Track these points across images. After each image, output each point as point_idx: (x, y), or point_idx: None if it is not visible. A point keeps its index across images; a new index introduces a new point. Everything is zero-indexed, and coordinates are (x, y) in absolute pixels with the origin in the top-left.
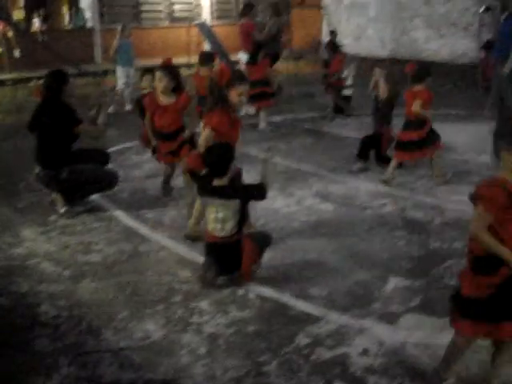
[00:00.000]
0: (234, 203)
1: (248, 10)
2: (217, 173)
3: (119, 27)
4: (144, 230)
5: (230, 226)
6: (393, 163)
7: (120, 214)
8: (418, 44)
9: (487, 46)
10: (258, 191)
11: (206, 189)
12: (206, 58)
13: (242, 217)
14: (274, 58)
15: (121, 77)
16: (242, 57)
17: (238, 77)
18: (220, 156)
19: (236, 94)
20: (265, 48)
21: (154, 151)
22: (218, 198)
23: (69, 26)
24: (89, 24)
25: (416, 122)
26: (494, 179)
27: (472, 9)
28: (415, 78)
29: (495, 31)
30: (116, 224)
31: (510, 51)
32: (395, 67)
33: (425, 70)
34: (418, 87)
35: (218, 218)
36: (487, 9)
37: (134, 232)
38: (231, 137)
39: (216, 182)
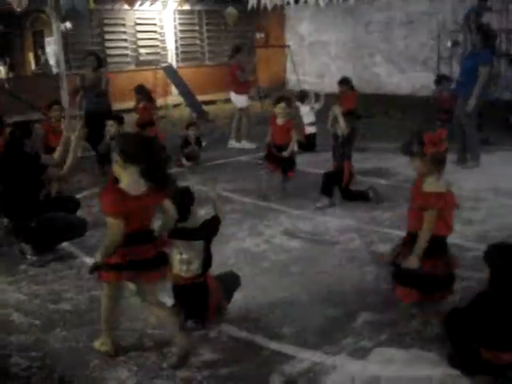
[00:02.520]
0: (198, 244)
1: (234, 52)
2: (179, 218)
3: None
4: None
5: (195, 266)
6: None
7: (91, 261)
8: (380, 79)
9: (438, 81)
10: (215, 226)
11: (172, 229)
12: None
13: (208, 257)
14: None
15: None
16: (233, 98)
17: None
18: (179, 202)
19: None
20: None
21: None
22: (183, 239)
23: (36, 72)
24: (55, 70)
25: None
26: None
27: (429, 43)
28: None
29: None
30: (86, 271)
31: (470, 88)
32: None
33: None
34: None
35: (183, 260)
36: (455, 43)
37: None
38: None
39: (180, 224)
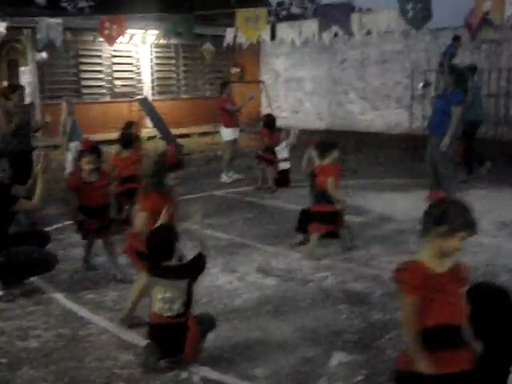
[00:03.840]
0: (183, 283)
1: (223, 87)
2: (163, 257)
3: (65, 103)
4: (84, 312)
5: (177, 305)
6: (313, 236)
7: (59, 297)
8: (354, 116)
9: None
10: (201, 264)
11: (155, 269)
12: (128, 142)
13: (189, 296)
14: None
15: (73, 151)
16: (223, 131)
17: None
18: (163, 240)
19: (173, 177)
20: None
21: (80, 228)
22: (167, 278)
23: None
24: (29, 99)
25: (328, 195)
26: (410, 262)
27: (404, 82)
28: (320, 153)
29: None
30: (55, 307)
31: (443, 128)
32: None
33: (329, 144)
34: (325, 162)
35: (165, 298)
36: (426, 84)
37: (74, 315)
38: (170, 217)
39: (165, 263)
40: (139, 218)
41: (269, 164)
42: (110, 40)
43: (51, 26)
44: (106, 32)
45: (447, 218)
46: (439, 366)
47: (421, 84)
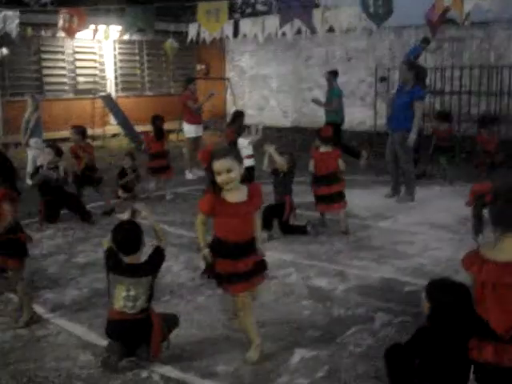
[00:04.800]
0: (147, 279)
1: (187, 83)
2: (129, 251)
3: (30, 99)
4: (42, 312)
5: (141, 302)
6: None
7: (17, 296)
8: (319, 113)
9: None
10: (160, 256)
11: (118, 266)
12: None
13: (152, 292)
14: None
15: (35, 149)
16: (185, 128)
17: None
18: (131, 234)
19: None
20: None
21: None
22: (131, 276)
23: None
24: None
25: (327, 179)
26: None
27: (368, 79)
28: (323, 141)
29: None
30: (12, 307)
31: (406, 123)
32: (296, 136)
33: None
34: (327, 148)
35: (129, 297)
36: (382, 79)
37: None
38: None
39: (128, 260)
40: None
41: None
42: (70, 33)
43: (7, 17)
44: (66, 25)
45: None
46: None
47: (379, 79)
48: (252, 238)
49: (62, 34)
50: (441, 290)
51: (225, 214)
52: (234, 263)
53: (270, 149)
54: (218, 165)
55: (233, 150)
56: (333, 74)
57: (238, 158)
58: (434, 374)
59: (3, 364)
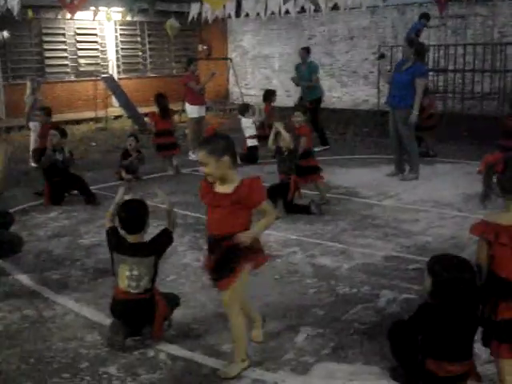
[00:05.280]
0: (149, 259)
1: (187, 64)
2: (134, 230)
3: (29, 82)
4: (49, 293)
5: (144, 282)
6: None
7: (23, 278)
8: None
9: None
10: (167, 238)
11: (121, 246)
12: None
13: (155, 271)
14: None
15: (34, 132)
16: (187, 108)
17: None
18: (135, 213)
19: None
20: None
21: None
22: (133, 255)
23: None
24: None
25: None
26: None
27: (370, 58)
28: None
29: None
30: (19, 288)
31: (408, 101)
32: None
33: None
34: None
35: (132, 276)
36: (381, 56)
37: (39, 296)
38: None
39: (131, 239)
40: None
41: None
42: (72, 10)
43: None
44: (68, 1)
45: None
46: None
47: (377, 55)
48: (229, 235)
49: (63, 16)
50: (443, 265)
51: (208, 202)
52: (208, 257)
53: (279, 125)
54: (198, 154)
55: (212, 143)
56: (306, 51)
57: (217, 153)
58: (437, 350)
59: (11, 345)
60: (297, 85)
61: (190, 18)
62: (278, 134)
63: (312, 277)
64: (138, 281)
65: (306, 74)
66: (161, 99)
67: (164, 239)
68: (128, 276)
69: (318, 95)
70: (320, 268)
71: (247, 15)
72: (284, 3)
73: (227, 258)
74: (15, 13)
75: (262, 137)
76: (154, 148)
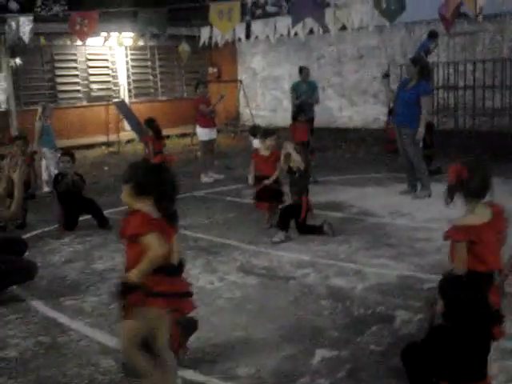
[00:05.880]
0: None
1: (195, 87)
2: None
3: (40, 108)
4: (63, 319)
5: None
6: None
7: (38, 304)
8: (333, 112)
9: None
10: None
11: None
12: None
13: None
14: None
15: (50, 158)
16: (198, 131)
17: None
18: None
19: None
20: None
21: None
22: None
23: None
24: (4, 106)
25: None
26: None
27: (380, 77)
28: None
29: (392, 97)
30: (34, 315)
31: (414, 120)
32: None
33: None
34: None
35: None
36: (385, 75)
37: (53, 322)
38: None
39: None
40: None
41: None
42: (82, 36)
43: (21, 22)
44: (77, 27)
45: None
46: None
47: (381, 74)
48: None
49: (74, 42)
50: (453, 286)
51: None
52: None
53: (289, 146)
54: None
55: (126, 170)
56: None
57: (123, 179)
58: (451, 372)
59: (25, 371)
60: (298, 104)
61: (201, 43)
62: (288, 155)
63: (326, 298)
64: None
65: (308, 92)
66: (152, 123)
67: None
68: None
69: (311, 115)
70: (334, 289)
71: (257, 37)
72: (293, 26)
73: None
74: (27, 40)
75: None
76: None
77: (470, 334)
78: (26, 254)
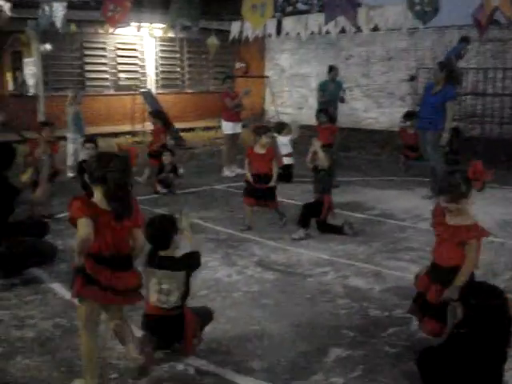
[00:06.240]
0: (180, 275)
1: (223, 81)
2: (160, 246)
3: (71, 94)
4: None
5: (174, 298)
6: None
7: (57, 286)
8: (358, 113)
9: (407, 116)
10: (196, 260)
11: (151, 259)
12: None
13: (187, 289)
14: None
15: (72, 143)
16: (223, 125)
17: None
18: (162, 229)
19: None
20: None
21: None
22: (163, 268)
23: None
24: (33, 91)
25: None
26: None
27: (406, 80)
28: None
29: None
30: (52, 297)
31: (439, 124)
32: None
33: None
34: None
35: (162, 290)
36: (412, 78)
37: (71, 305)
38: None
39: (161, 253)
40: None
41: None
42: (113, 23)
43: (54, 7)
44: (109, 14)
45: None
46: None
47: (408, 77)
48: None
49: (105, 30)
50: (473, 293)
51: None
52: None
53: (317, 144)
54: None
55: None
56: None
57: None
58: (466, 379)
59: (41, 352)
60: (323, 103)
61: (231, 37)
62: (315, 152)
63: (344, 298)
64: (167, 295)
65: (335, 92)
66: (162, 114)
67: (194, 259)
68: (157, 290)
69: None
70: (352, 289)
71: (287, 34)
72: (325, 24)
73: None
74: (59, 26)
75: None
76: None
77: (488, 341)
78: (47, 236)
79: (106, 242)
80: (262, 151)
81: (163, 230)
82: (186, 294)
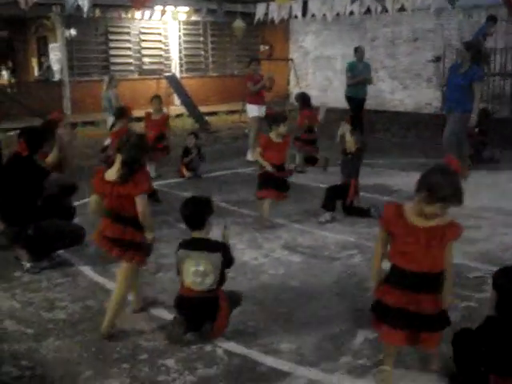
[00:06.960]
0: (216, 257)
1: (249, 63)
2: (194, 226)
3: (106, 78)
4: (111, 285)
5: (210, 280)
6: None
7: (86, 269)
8: (384, 95)
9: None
10: (231, 258)
11: (184, 241)
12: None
13: (222, 275)
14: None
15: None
16: (248, 108)
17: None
18: (196, 209)
19: None
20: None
21: None
22: (199, 250)
23: (38, 78)
24: (58, 76)
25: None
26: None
27: (432, 60)
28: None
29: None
30: (82, 279)
31: (465, 105)
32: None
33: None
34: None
35: (198, 271)
36: (437, 58)
37: (101, 287)
38: None
39: (195, 235)
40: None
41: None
42: (138, 5)
43: None
44: None
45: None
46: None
47: (432, 57)
48: None
49: (130, 15)
50: (507, 278)
51: None
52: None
53: (345, 127)
54: None
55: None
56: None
57: None
58: (501, 365)
59: (72, 334)
60: (358, 82)
61: (256, 19)
62: (343, 135)
63: (370, 280)
64: (203, 276)
65: (363, 72)
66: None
67: (231, 254)
68: (193, 271)
69: (362, 96)
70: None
71: (313, 15)
72: (352, 3)
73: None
74: (85, 10)
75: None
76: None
77: None
78: (76, 220)
79: (111, 204)
80: (279, 140)
81: (198, 210)
82: (221, 278)
